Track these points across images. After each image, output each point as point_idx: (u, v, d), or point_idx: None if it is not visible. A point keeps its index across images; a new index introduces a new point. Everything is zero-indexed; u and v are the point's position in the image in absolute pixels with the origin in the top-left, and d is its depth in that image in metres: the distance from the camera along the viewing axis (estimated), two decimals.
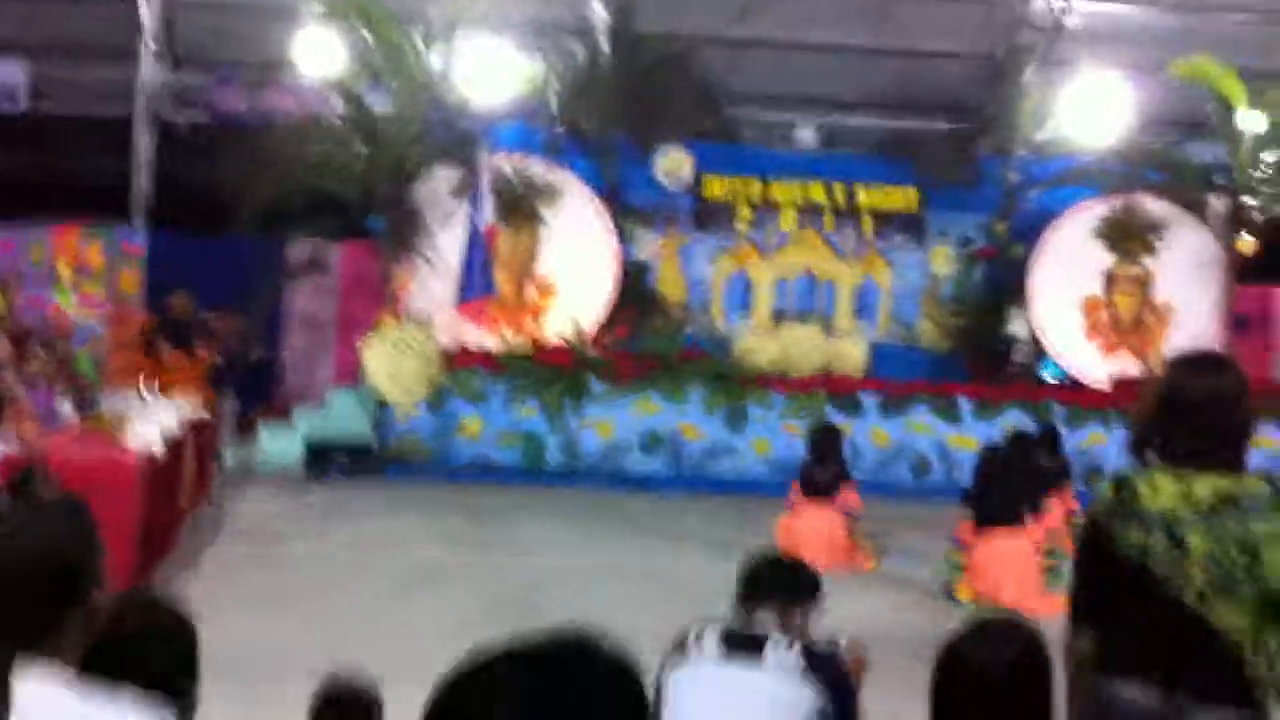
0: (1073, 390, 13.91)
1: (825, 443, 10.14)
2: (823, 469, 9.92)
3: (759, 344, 13.92)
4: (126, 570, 7.38)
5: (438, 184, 13.36)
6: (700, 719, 3.44)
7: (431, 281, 13.27)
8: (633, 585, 8.56)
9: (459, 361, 12.72)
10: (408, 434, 12.59)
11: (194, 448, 9.83)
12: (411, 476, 12.36)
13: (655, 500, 12.22)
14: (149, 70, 15.19)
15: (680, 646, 3.52)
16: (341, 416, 12.81)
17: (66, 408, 9.84)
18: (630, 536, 10.43)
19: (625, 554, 9.79)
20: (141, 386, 10.10)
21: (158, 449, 8.28)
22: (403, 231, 13.19)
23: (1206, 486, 2.88)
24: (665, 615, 6.60)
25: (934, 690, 2.78)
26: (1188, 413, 2.99)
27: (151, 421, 8.75)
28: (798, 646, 3.42)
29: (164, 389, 10.33)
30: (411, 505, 11.19)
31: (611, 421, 12.86)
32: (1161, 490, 2.90)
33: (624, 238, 14.32)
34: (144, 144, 15.22)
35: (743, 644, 3.46)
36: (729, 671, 3.44)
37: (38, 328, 12.65)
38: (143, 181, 15.15)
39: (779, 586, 3.62)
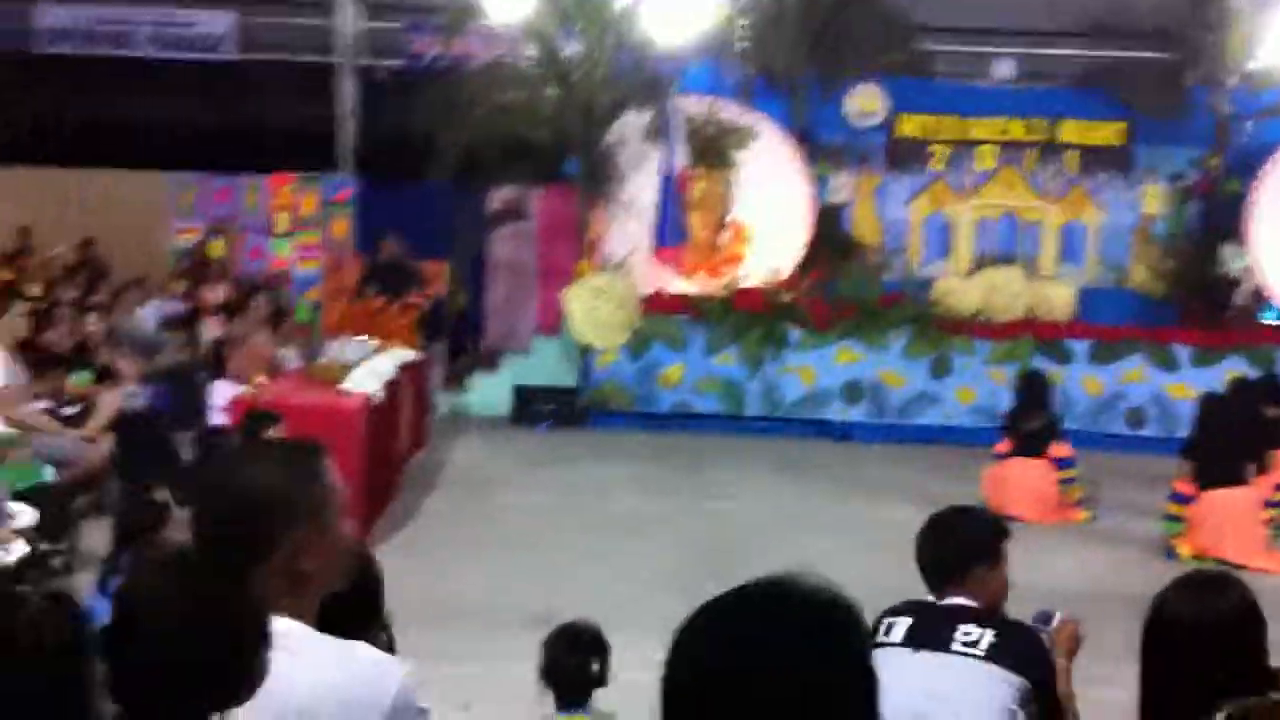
0: None
1: (1033, 391, 9.95)
2: (1031, 418, 9.73)
3: (960, 288, 13.60)
4: (353, 516, 7.70)
5: (629, 128, 13.36)
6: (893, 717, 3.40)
7: (627, 226, 13.33)
8: (836, 535, 8.55)
9: (657, 307, 12.78)
10: (609, 381, 12.74)
11: (410, 394, 10.16)
12: (614, 423, 12.54)
13: (857, 449, 12.17)
14: (348, 18, 15.54)
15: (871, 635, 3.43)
16: (546, 363, 13.04)
17: (290, 354, 10.27)
18: (832, 486, 10.41)
19: (828, 504, 9.79)
20: (357, 334, 10.45)
21: (378, 396, 8.57)
22: (598, 176, 13.26)
23: None
24: (870, 566, 6.61)
25: (1144, 647, 2.78)
26: None
27: (370, 368, 9.07)
28: (989, 632, 3.27)
29: (378, 335, 10.67)
30: (615, 452, 11.37)
31: (812, 368, 12.77)
32: None
33: (817, 180, 14.13)
34: (347, 92, 15.62)
35: (931, 627, 3.32)
36: (919, 662, 3.28)
37: (258, 275, 13.20)
38: (348, 129, 15.57)
39: (955, 554, 3.43)
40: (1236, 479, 8.63)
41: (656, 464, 10.93)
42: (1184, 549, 8.47)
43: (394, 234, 12.98)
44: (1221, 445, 8.70)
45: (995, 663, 3.21)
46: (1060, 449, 9.67)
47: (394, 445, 9.46)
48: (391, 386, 9.16)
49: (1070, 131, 14.57)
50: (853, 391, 12.78)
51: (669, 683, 1.38)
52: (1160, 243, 14.37)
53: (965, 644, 3.24)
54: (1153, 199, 14.53)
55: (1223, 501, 8.52)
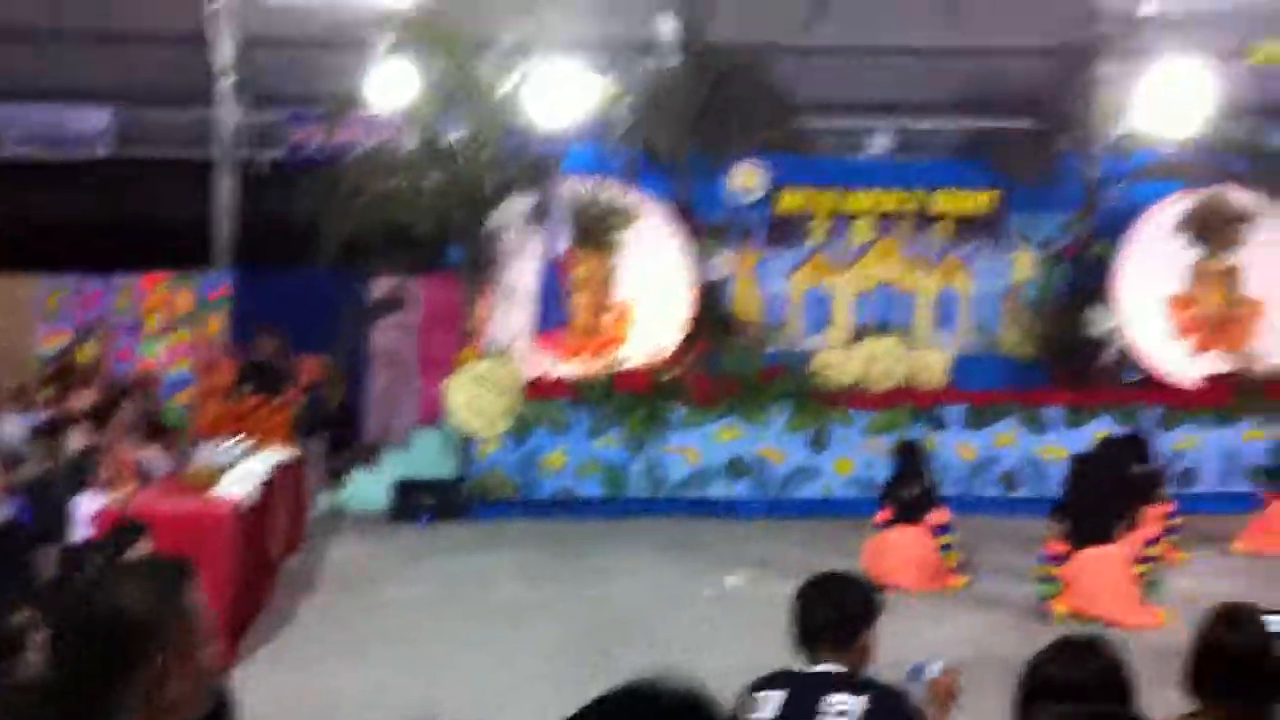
0: (1163, 392, 13.57)
1: (910, 459, 10.08)
2: (909, 486, 9.84)
3: (839, 360, 13.79)
4: (224, 625, 7.56)
5: (513, 212, 13.41)
6: None
7: (510, 312, 13.35)
8: (720, 615, 8.57)
9: (539, 392, 12.76)
10: (491, 470, 12.66)
11: (285, 495, 10.01)
12: (497, 513, 12.45)
13: (740, 526, 12.21)
14: (227, 111, 15.48)
15: (743, 708, 3.36)
16: (427, 456, 12.96)
17: (158, 460, 10.07)
18: (716, 564, 10.41)
19: (712, 583, 9.78)
20: (230, 435, 10.29)
21: (251, 499, 8.44)
22: (480, 262, 13.28)
23: None
24: (754, 645, 6.62)
25: (1015, 709, 2.80)
26: None
27: (243, 471, 8.94)
28: (863, 699, 3.28)
29: (252, 436, 10.52)
30: (498, 542, 11.29)
31: (694, 448, 12.83)
32: None
33: (699, 257, 14.28)
34: (226, 185, 15.51)
35: (802, 701, 3.31)
36: None
37: (127, 379, 12.95)
38: (226, 223, 15.44)
39: (829, 621, 3.47)
40: (1107, 537, 8.80)
41: (539, 551, 10.88)
42: (1059, 609, 8.59)
43: (271, 329, 12.85)
44: (1092, 504, 8.88)
45: None
46: (938, 515, 9.78)
47: (268, 549, 9.30)
48: (266, 488, 9.02)
49: (944, 201, 14.92)
50: (735, 468, 12.84)
51: None
52: (1030, 307, 14.73)
53: (839, 715, 3.25)
54: (1023, 265, 14.91)
55: (1095, 560, 8.68)
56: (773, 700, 3.34)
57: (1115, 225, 14.48)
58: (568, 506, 12.58)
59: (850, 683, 3.34)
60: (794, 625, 3.51)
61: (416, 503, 12.41)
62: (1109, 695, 2.77)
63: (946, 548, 9.69)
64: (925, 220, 14.89)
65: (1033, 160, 14.78)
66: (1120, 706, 2.75)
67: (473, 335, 13.19)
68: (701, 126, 14.08)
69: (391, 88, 13.08)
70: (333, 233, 12.58)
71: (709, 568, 10.28)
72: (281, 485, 9.81)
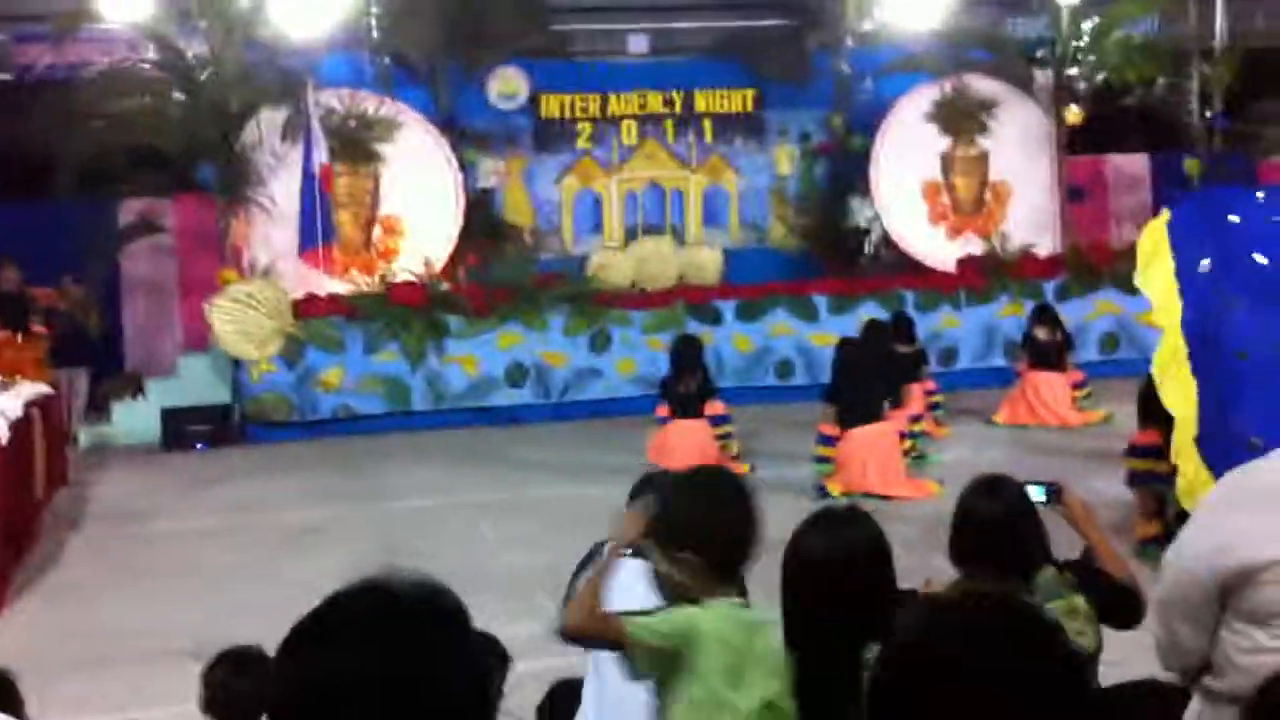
0: (922, 276, 14.14)
1: (686, 355, 10.18)
2: (686, 381, 9.98)
3: (614, 261, 13.87)
4: None
5: (266, 127, 12.90)
6: None
7: (271, 231, 12.89)
8: (513, 520, 8.57)
9: (310, 311, 12.38)
10: (266, 392, 12.24)
11: (42, 432, 9.48)
12: (275, 436, 12.10)
13: (526, 432, 12.20)
14: None
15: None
16: (196, 382, 12.46)
17: None
18: (504, 471, 10.41)
19: (501, 489, 9.77)
20: None
21: (3, 437, 7.95)
22: (234, 181, 12.75)
23: None
24: (550, 546, 6.68)
25: (783, 582, 2.82)
26: None
27: None
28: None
29: (3, 372, 9.90)
30: (277, 465, 10.98)
31: (475, 357, 12.70)
32: None
33: (465, 165, 14.06)
34: None
35: None
36: None
37: None
38: None
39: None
40: (876, 416, 9.15)
41: (321, 472, 10.62)
42: (834, 487, 8.89)
43: (10, 259, 12.04)
44: (859, 386, 9.18)
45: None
46: (715, 407, 9.97)
47: (28, 488, 8.80)
48: (20, 426, 8.50)
49: (705, 101, 15.09)
50: (516, 375, 12.80)
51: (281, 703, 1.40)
52: (794, 201, 15.10)
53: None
54: (785, 160, 15.25)
55: (864, 438, 9.00)
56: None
57: (869, 118, 14.93)
58: (348, 424, 12.32)
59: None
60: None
61: (188, 431, 11.95)
62: (867, 562, 2.81)
63: (725, 437, 9.90)
64: (688, 120, 15.02)
65: (786, 57, 15.07)
66: (880, 571, 2.82)
67: (232, 256, 12.68)
68: (456, 34, 13.79)
69: (124, 1, 12.32)
70: (72, 157, 11.87)
71: (500, 475, 10.25)
72: (37, 421, 9.27)
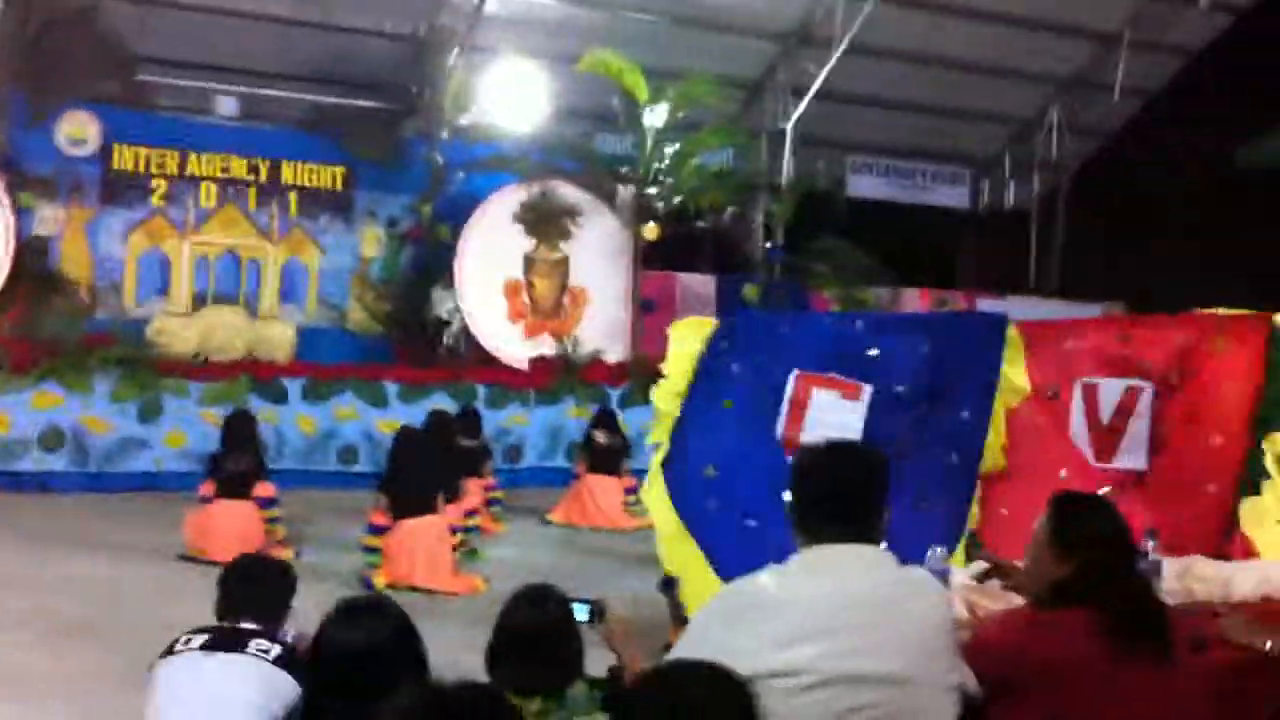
0: (496, 371, 14.31)
1: (238, 431, 9.76)
2: (236, 459, 9.55)
3: (177, 327, 13.16)
4: None
5: None
6: (183, 704, 3.43)
7: None
8: (32, 599, 7.78)
9: None
10: None
11: None
12: None
13: (55, 501, 11.25)
14: None
15: (169, 648, 3.52)
16: None
17: None
18: (27, 544, 9.46)
19: (22, 564, 8.86)
20: None
21: None
22: None
23: None
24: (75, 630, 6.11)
25: (311, 675, 2.90)
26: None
27: None
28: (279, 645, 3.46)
29: None
30: None
31: (5, 416, 11.61)
32: None
33: (20, 209, 13.00)
34: None
35: (226, 638, 3.52)
36: (213, 659, 3.46)
37: None
38: None
39: (253, 596, 3.71)
40: (429, 508, 9.05)
41: None
42: (379, 579, 8.70)
43: None
44: (415, 476, 9.07)
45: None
46: (265, 488, 9.57)
47: None
48: None
49: (292, 172, 14.76)
50: (52, 439, 11.81)
51: None
52: (377, 285, 14.96)
53: (256, 646, 3.45)
54: (371, 242, 15.11)
55: (414, 530, 8.86)
56: (198, 638, 3.53)
57: (458, 211, 15.09)
58: None
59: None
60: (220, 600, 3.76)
61: None
62: (393, 653, 2.85)
63: (273, 521, 9.51)
64: (273, 190, 14.64)
65: (380, 140, 15.05)
66: (409, 664, 2.85)
67: None
68: (27, 70, 12.86)
69: None
70: None
71: (22, 549, 9.31)
72: None
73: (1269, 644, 3.43)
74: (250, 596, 3.71)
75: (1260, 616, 3.70)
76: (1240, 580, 4.10)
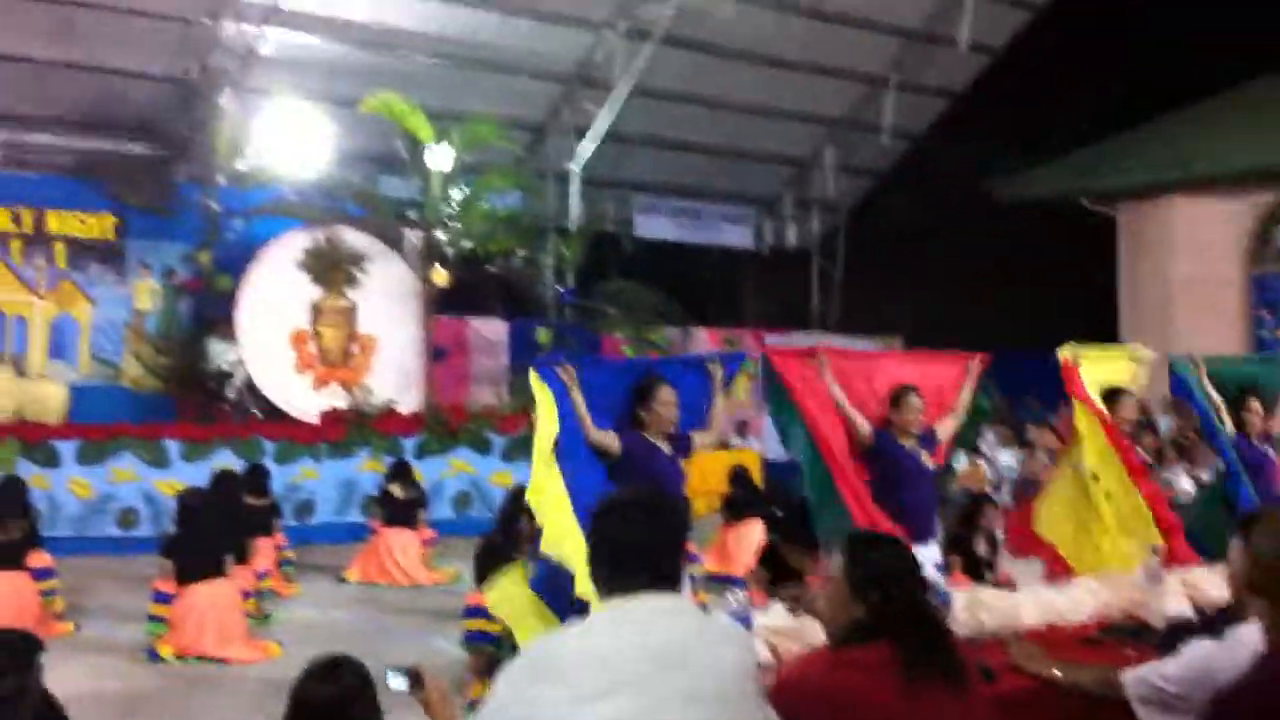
0: (283, 425, 13.87)
1: (7, 498, 9.19)
2: (7, 529, 8.98)
3: None
4: None
5: None
6: None
7: None
8: None
9: None
10: None
11: None
12: None
13: None
14: None
15: None
16: None
17: None
18: None
19: None
20: None
21: None
22: None
23: None
24: None
25: None
26: None
27: None
28: None
29: None
30: None
31: None
32: None
33: None
34: None
35: None
36: None
37: None
38: None
39: None
40: (217, 572, 8.67)
41: None
42: (165, 649, 8.30)
43: None
44: (201, 539, 8.68)
45: None
46: (40, 558, 9.03)
47: None
48: None
49: (59, 222, 14.10)
50: None
51: None
52: (153, 338, 14.38)
53: None
54: (145, 294, 14.53)
55: (202, 596, 8.48)
56: None
57: (238, 259, 14.63)
58: None
59: None
60: None
61: None
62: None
63: (49, 593, 8.97)
64: (39, 241, 13.95)
65: (150, 186, 14.54)
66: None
67: None
68: None
69: None
70: None
71: None
72: None
73: (1056, 671, 3.57)
74: None
75: (1047, 645, 3.85)
76: (1026, 610, 4.28)
